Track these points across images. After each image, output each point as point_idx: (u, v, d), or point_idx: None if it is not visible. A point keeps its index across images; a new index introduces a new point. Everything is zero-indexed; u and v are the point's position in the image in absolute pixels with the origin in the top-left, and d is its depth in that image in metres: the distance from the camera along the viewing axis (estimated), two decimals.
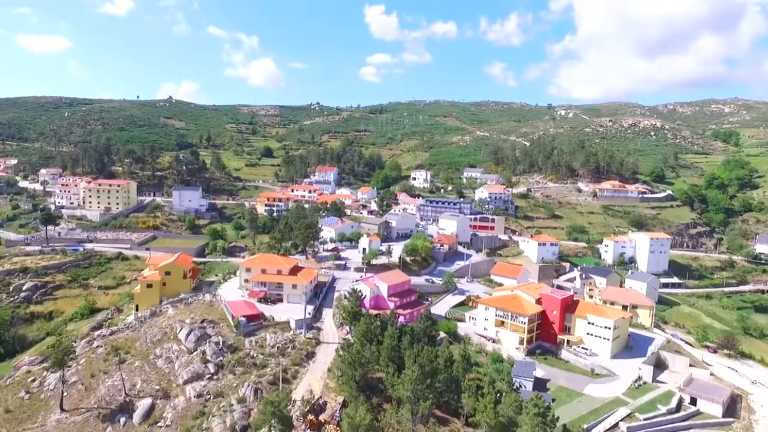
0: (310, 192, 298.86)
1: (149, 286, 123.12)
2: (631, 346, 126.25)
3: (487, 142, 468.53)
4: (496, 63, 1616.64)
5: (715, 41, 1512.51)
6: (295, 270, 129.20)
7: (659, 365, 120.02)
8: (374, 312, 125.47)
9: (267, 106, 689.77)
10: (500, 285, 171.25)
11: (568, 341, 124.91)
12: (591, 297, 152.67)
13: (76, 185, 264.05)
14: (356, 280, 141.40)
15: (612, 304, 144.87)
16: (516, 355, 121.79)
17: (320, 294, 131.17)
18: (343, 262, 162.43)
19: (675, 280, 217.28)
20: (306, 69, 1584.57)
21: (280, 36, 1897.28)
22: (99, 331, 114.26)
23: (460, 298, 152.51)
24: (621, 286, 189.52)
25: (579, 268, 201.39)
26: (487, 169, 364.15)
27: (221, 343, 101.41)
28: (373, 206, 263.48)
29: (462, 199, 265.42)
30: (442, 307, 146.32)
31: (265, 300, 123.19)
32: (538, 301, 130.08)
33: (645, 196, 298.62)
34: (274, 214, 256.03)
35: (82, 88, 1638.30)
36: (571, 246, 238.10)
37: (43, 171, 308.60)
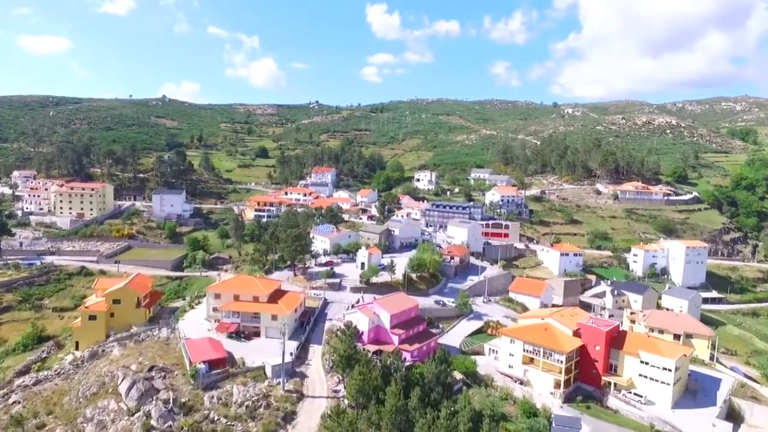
0: (305, 195, 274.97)
1: (92, 318, 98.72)
2: (694, 390, 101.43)
3: (494, 140, 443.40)
4: (499, 62, 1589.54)
5: (722, 39, 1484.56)
6: (276, 296, 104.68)
7: (732, 416, 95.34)
8: (374, 348, 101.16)
9: (264, 105, 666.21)
10: (522, 305, 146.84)
11: (615, 384, 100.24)
12: (633, 323, 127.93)
13: (46, 189, 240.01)
14: (352, 306, 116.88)
15: (660, 332, 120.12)
16: (551, 402, 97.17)
17: (307, 324, 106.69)
18: (337, 281, 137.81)
19: (715, 294, 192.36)
20: (307, 69, 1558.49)
21: (281, 36, 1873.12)
22: (23, 379, 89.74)
23: (476, 324, 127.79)
24: (658, 305, 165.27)
25: (609, 282, 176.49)
26: (496, 170, 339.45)
27: (172, 401, 76.88)
28: (374, 211, 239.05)
29: (472, 203, 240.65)
30: (455, 335, 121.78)
31: (237, 334, 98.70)
32: (576, 333, 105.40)
33: (670, 198, 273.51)
34: (265, 219, 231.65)
35: (84, 89, 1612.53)
36: (594, 255, 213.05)
37: (15, 173, 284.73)
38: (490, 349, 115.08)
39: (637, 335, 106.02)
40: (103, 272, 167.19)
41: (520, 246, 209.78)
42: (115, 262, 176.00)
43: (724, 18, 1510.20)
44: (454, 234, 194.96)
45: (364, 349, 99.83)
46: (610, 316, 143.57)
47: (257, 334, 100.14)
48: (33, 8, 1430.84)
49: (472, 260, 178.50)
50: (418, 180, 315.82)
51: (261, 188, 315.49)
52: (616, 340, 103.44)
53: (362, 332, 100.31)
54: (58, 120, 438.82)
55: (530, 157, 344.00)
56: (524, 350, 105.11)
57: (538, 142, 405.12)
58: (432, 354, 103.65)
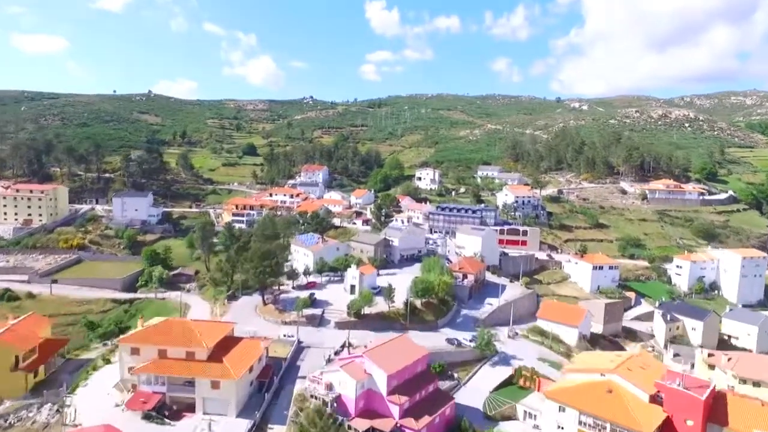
0: (291, 197, 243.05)
1: None
2: None
3: (500, 135, 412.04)
4: (500, 59, 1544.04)
5: (728, 33, 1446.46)
6: (223, 347, 72.55)
7: None
8: (364, 424, 69.46)
9: (255, 101, 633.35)
10: (556, 338, 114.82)
11: None
12: (711, 368, 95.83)
13: None
14: (335, 353, 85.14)
15: (756, 385, 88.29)
16: None
17: (266, 389, 74.51)
18: (319, 312, 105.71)
19: None
20: (305, 68, 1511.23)
21: (279, 34, 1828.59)
22: None
23: (503, 372, 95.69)
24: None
25: (658, 304, 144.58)
26: (506, 167, 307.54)
27: None
28: (369, 214, 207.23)
29: (483, 206, 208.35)
30: (476, 389, 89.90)
31: (160, 412, 66.56)
32: (654, 399, 73.56)
33: (705, 198, 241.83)
34: (244, 225, 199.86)
35: (81, 88, 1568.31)
36: (627, 266, 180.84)
37: None
38: (525, 411, 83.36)
39: (743, 403, 73.87)
40: (31, 296, 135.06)
41: (542, 256, 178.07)
42: (52, 282, 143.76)
43: (731, 12, 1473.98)
44: (464, 243, 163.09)
45: (349, 428, 68.28)
46: (676, 355, 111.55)
47: (192, 408, 68.03)
48: (26, 6, 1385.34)
49: (488, 276, 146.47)
50: (420, 179, 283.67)
51: (245, 189, 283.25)
52: (714, 410, 71.63)
53: (348, 400, 68.47)
54: (29, 116, 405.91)
55: (543, 153, 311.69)
56: (580, 422, 73.43)
57: (549, 137, 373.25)
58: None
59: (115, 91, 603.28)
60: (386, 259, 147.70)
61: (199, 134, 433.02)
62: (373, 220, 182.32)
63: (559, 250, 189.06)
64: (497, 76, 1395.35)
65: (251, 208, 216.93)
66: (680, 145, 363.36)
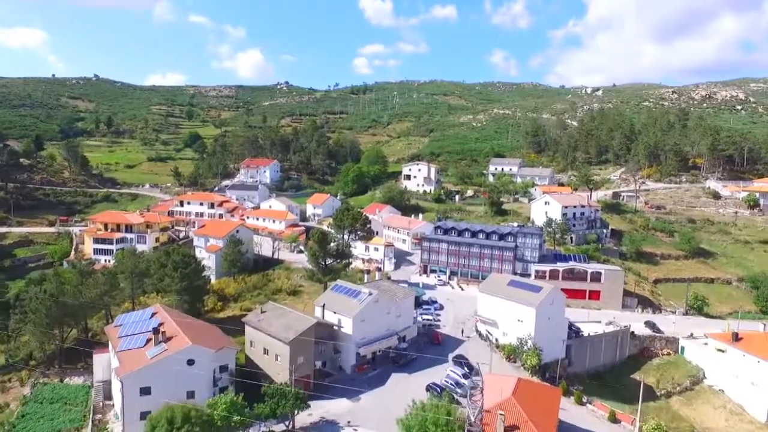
0: (212, 206, 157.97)
1: None
2: None
3: (511, 121, 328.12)
4: (498, 51, 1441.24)
5: (736, 22, 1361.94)
6: None
7: None
8: None
9: (220, 86, 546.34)
10: None
11: None
12: None
13: None
14: None
15: None
16: None
17: None
18: None
19: None
20: (297, 62, 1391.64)
21: (269, 27, 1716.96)
22: None
23: None
24: None
25: None
26: (527, 160, 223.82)
27: None
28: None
29: (516, 225, 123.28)
30: None
31: None
32: None
33: None
34: (110, 259, 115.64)
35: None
36: None
37: None
38: None
39: None
40: None
41: (640, 327, 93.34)
42: None
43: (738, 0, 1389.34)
44: (497, 315, 78.81)
45: None
46: None
47: None
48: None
49: (564, 408, 61.86)
50: (409, 177, 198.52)
51: (157, 193, 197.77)
52: None
53: None
54: None
55: (578, 141, 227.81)
56: None
57: (577, 122, 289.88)
58: None
59: (53, 75, 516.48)
60: (323, 370, 63.09)
61: (134, 123, 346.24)
62: (310, 265, 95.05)
63: (661, 306, 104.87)
64: (494, 69, 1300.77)
65: (129, 228, 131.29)
66: (742, 131, 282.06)
